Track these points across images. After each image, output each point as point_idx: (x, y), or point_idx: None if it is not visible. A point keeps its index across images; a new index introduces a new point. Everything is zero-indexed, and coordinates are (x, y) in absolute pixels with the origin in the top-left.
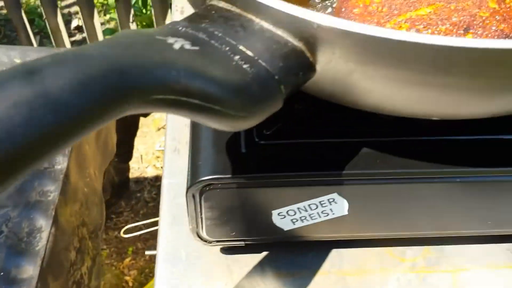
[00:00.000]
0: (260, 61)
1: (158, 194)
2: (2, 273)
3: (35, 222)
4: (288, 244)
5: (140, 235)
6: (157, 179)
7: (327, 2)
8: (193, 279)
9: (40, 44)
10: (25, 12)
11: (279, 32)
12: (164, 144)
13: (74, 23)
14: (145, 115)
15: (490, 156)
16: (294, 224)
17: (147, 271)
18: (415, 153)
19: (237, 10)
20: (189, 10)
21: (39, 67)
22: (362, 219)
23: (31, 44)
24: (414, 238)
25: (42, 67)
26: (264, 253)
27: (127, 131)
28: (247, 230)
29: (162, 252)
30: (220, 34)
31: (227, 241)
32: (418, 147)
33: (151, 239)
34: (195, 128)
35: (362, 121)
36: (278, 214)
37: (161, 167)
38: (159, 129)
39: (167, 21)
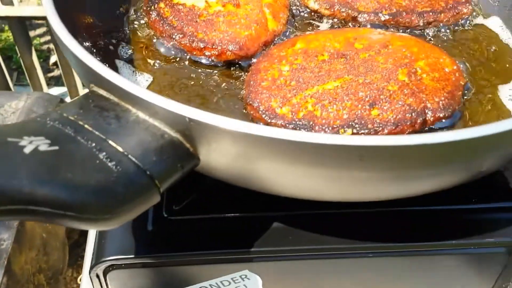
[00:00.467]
0: (130, 156)
1: None
2: None
3: None
4: None
5: None
6: None
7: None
8: None
9: (17, 80)
10: (3, 49)
11: (156, 123)
12: None
13: (53, 59)
14: None
15: (401, 229)
16: None
17: None
18: (327, 227)
19: (115, 99)
20: None
21: None
22: None
23: (6, 82)
24: None
25: None
26: None
27: None
28: None
29: None
30: (90, 128)
31: None
32: (330, 221)
33: None
34: None
35: (273, 196)
36: None
37: None
38: None
39: None
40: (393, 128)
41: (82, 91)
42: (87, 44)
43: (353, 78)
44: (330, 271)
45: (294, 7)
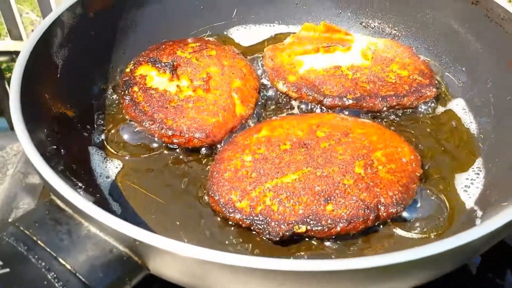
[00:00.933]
0: (78, 274)
1: None
2: None
3: None
4: None
5: None
6: None
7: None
8: None
9: None
10: None
11: (106, 237)
12: None
13: None
14: None
15: None
16: None
17: None
18: None
19: (70, 212)
20: None
21: None
22: None
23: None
24: None
25: None
26: None
27: None
28: None
29: None
30: (42, 244)
31: None
32: None
33: None
34: None
35: None
36: None
37: None
38: None
39: None
40: (346, 225)
41: None
42: (58, 135)
43: (312, 171)
44: None
45: (264, 90)
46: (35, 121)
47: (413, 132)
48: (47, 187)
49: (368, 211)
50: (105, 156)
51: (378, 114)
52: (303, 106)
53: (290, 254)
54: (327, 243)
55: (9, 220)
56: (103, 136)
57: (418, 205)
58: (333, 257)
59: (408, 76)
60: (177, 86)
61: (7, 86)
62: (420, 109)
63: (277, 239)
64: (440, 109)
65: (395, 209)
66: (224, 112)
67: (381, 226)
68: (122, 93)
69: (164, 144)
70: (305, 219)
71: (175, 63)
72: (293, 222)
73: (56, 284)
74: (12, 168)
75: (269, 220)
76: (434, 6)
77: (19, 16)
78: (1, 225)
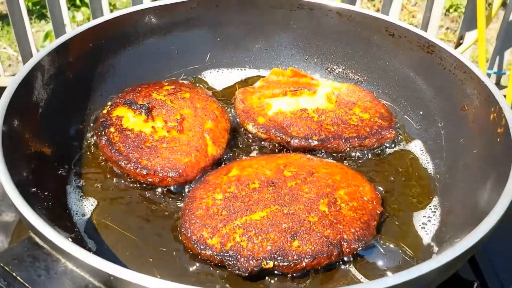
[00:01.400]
0: None
1: None
2: None
3: None
4: None
5: None
6: None
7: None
8: None
9: None
10: None
11: (82, 273)
12: None
13: None
14: None
15: None
16: None
17: None
18: None
19: (48, 249)
20: None
21: None
22: None
23: None
24: None
25: None
26: None
27: None
28: None
29: None
30: (21, 280)
31: None
32: None
33: None
34: None
35: None
36: None
37: None
38: None
39: None
40: (311, 260)
41: None
42: (37, 173)
43: (279, 208)
44: None
45: (235, 131)
46: (15, 161)
47: (374, 171)
48: (26, 225)
49: (332, 247)
50: (81, 195)
51: (342, 154)
52: (271, 147)
53: None
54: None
55: None
56: (80, 176)
57: (379, 245)
58: None
59: (370, 119)
60: (152, 127)
61: None
62: (380, 150)
63: (246, 274)
64: (400, 150)
65: (357, 245)
66: (196, 152)
67: (343, 265)
68: (99, 133)
69: (138, 183)
70: (272, 255)
71: (150, 105)
72: (261, 258)
73: None
74: None
75: (239, 256)
76: (393, 54)
77: None
78: None
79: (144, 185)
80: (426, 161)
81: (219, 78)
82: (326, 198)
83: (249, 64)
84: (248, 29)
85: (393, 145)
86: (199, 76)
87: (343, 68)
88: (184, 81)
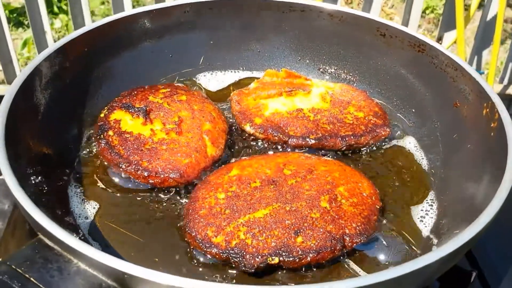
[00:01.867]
0: None
1: None
2: None
3: None
4: None
5: None
6: None
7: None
8: None
9: None
10: None
11: (95, 273)
12: None
13: None
14: None
15: None
16: None
17: None
18: None
19: (59, 250)
20: None
21: None
22: None
23: None
24: None
25: None
26: None
27: None
28: None
29: None
30: (35, 281)
31: None
32: None
33: None
34: None
35: None
36: None
37: None
38: None
39: None
40: (315, 255)
41: None
42: (39, 178)
43: (281, 206)
44: None
45: (232, 131)
46: (20, 167)
47: (370, 168)
48: (35, 227)
49: (335, 241)
50: (83, 198)
51: (339, 152)
52: (269, 147)
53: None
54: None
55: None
56: (81, 179)
57: (380, 239)
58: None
59: (364, 117)
60: (151, 129)
61: None
62: (375, 147)
63: (252, 270)
64: (394, 147)
65: (359, 239)
66: (196, 153)
67: (346, 258)
68: (98, 137)
69: (140, 185)
70: (277, 251)
71: (147, 108)
72: (267, 254)
73: None
74: None
75: (244, 253)
76: (385, 54)
77: None
78: None
79: (145, 187)
80: (420, 157)
81: (213, 80)
82: (327, 195)
83: (243, 66)
84: (241, 32)
85: (387, 143)
86: (194, 79)
87: (336, 68)
88: (179, 84)
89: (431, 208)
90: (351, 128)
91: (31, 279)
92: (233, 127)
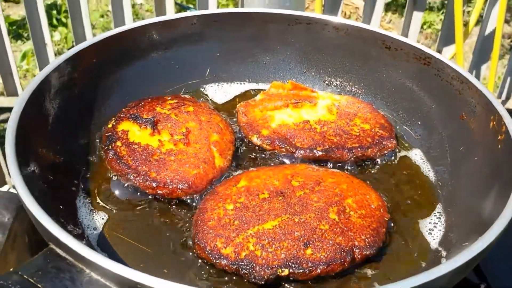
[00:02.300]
0: None
1: None
2: None
3: None
4: None
5: None
6: None
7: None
8: None
9: None
10: None
11: (108, 283)
12: None
13: None
14: None
15: None
16: None
17: None
18: None
19: (71, 259)
20: None
21: None
22: None
23: None
24: None
25: None
26: None
27: None
28: None
29: None
30: None
31: None
32: None
33: None
34: None
35: None
36: None
37: None
38: None
39: None
40: (325, 267)
41: None
42: (48, 188)
43: (290, 217)
44: None
45: (239, 143)
46: (31, 176)
47: (377, 180)
48: (46, 237)
49: (345, 253)
50: (91, 209)
51: (346, 165)
52: (276, 158)
53: None
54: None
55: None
56: (89, 190)
57: (388, 251)
58: None
59: (370, 129)
60: (159, 140)
61: None
62: (382, 159)
63: (262, 282)
64: (401, 159)
65: (369, 251)
66: (204, 164)
67: (355, 270)
68: (106, 147)
69: (148, 196)
70: (287, 263)
71: (155, 119)
72: (276, 266)
73: None
74: None
75: (254, 264)
76: (390, 66)
77: None
78: (5, 275)
79: (154, 198)
80: (427, 169)
81: (219, 91)
82: (335, 207)
83: (248, 77)
84: (247, 44)
85: (394, 155)
86: (200, 90)
87: (341, 80)
88: (186, 95)
89: (439, 221)
90: (357, 140)
91: None
92: (240, 138)
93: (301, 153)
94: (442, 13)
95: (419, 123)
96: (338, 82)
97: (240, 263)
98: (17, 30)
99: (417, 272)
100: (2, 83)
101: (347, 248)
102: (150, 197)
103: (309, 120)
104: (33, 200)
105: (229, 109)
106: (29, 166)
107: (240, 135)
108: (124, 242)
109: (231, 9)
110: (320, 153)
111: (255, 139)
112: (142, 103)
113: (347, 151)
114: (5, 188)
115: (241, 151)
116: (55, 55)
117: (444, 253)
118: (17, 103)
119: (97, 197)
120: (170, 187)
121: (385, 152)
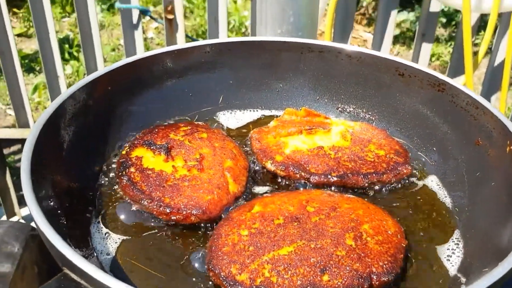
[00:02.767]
0: None
1: None
2: None
3: None
4: None
5: None
6: None
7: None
8: None
9: None
10: None
11: None
12: None
13: None
14: None
15: None
16: None
17: None
18: None
19: (86, 284)
20: None
21: None
22: None
23: None
24: None
25: None
26: None
27: None
28: None
29: None
30: None
31: None
32: None
33: None
34: None
35: None
36: None
37: None
38: None
39: None
40: None
41: None
42: (63, 213)
43: (306, 243)
44: None
45: (253, 169)
46: (46, 201)
47: (392, 206)
48: (59, 261)
49: (362, 280)
50: (105, 234)
51: (361, 191)
52: (290, 184)
53: None
54: None
55: None
56: (103, 215)
57: (406, 278)
58: None
59: (385, 155)
60: (173, 166)
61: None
62: (398, 185)
63: None
64: (416, 186)
65: (386, 278)
66: (218, 190)
67: None
68: (119, 173)
69: (161, 222)
70: None
71: (169, 145)
72: None
73: None
74: None
75: None
76: (403, 93)
77: None
78: None
79: (167, 224)
80: (443, 195)
81: (232, 119)
82: (352, 232)
83: (261, 105)
84: (260, 72)
85: (409, 181)
86: (214, 117)
87: (354, 107)
88: (199, 122)
89: (457, 247)
90: (372, 166)
91: None
92: (254, 164)
93: (315, 178)
94: (450, 45)
95: (434, 149)
96: (351, 109)
97: None
98: (29, 63)
99: None
100: (14, 115)
101: (365, 275)
102: (163, 223)
103: (323, 146)
104: (48, 224)
105: (243, 136)
106: (44, 192)
107: (254, 161)
108: (138, 268)
109: (243, 38)
110: (335, 178)
111: (269, 165)
112: (156, 130)
113: (362, 176)
114: (14, 219)
115: (255, 177)
116: (67, 87)
117: (463, 280)
118: (33, 130)
119: (111, 223)
120: (184, 212)
121: (401, 178)
